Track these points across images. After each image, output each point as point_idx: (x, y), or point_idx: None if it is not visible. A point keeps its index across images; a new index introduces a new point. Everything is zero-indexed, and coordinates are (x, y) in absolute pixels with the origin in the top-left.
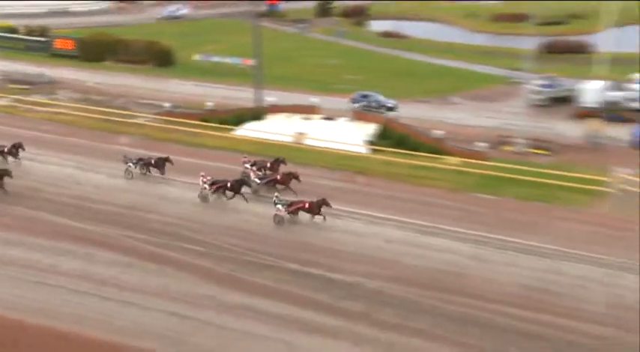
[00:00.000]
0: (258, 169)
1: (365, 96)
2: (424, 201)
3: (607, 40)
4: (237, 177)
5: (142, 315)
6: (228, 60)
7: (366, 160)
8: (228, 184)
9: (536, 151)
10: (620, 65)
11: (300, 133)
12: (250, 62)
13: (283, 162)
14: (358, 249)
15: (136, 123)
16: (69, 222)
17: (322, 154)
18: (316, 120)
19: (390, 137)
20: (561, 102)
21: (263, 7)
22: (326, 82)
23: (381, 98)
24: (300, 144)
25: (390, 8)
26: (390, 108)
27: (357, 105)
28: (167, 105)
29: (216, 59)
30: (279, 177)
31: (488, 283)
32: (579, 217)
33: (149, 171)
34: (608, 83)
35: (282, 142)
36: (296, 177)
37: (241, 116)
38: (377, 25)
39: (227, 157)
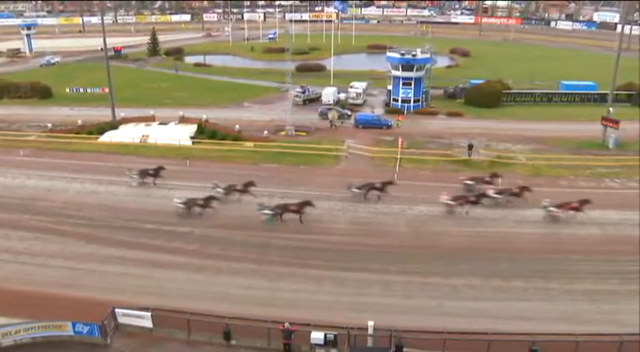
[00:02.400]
0: (479, 182)
1: (329, 109)
2: (232, 173)
3: (332, 63)
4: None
5: None
6: (90, 90)
7: (190, 149)
8: (472, 198)
9: (300, 133)
10: (341, 77)
11: (144, 135)
12: (106, 90)
13: (498, 176)
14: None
15: (28, 140)
16: None
17: (160, 148)
18: (154, 126)
19: (205, 132)
20: (312, 101)
21: (111, 52)
22: (159, 99)
23: (341, 109)
24: (145, 143)
25: (197, 47)
26: (349, 116)
27: (323, 115)
28: (49, 125)
29: (82, 90)
30: (516, 189)
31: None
32: (328, 172)
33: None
34: (337, 88)
35: (133, 143)
36: (529, 189)
37: (102, 127)
38: (190, 59)
39: (97, 156)
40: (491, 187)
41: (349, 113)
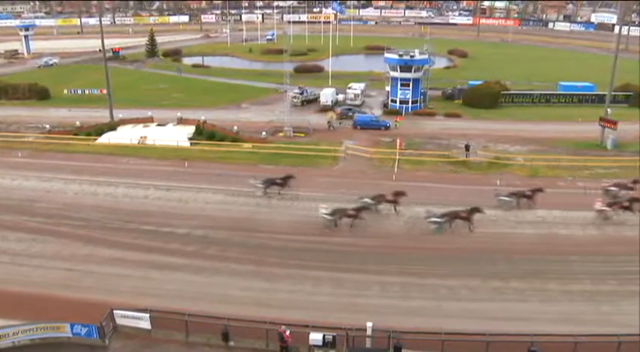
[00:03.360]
0: (623, 188)
1: (349, 109)
2: (230, 174)
3: (331, 64)
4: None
5: None
6: (88, 91)
7: (189, 151)
8: (626, 203)
9: (298, 134)
10: (340, 78)
11: (143, 136)
12: (104, 91)
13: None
14: (188, 211)
15: (26, 141)
16: None
17: (159, 149)
18: (153, 127)
19: (204, 134)
20: (310, 102)
21: (110, 53)
22: (157, 101)
23: (357, 110)
24: (143, 144)
25: (195, 48)
26: (354, 114)
27: (343, 114)
28: (47, 126)
29: (80, 91)
30: None
31: (272, 222)
32: (326, 173)
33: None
34: (335, 89)
35: (131, 144)
36: None
37: (101, 129)
38: (188, 61)
39: (97, 158)
40: (636, 193)
41: (356, 110)
